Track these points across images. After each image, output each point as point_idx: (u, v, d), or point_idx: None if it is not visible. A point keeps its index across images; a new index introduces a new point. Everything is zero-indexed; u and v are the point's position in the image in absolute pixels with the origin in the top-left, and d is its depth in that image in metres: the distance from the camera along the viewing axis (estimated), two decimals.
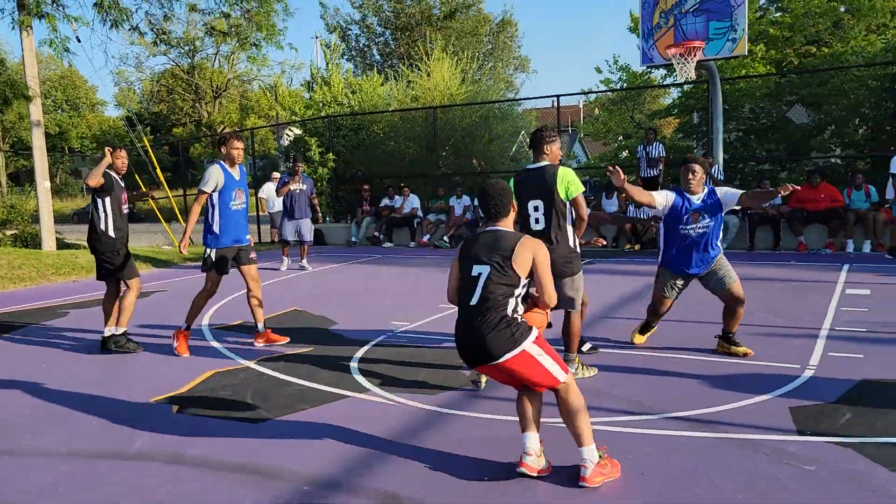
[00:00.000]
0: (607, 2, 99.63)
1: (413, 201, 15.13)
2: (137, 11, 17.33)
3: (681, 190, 5.19)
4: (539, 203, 4.62)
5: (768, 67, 16.13)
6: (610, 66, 18.56)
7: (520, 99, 19.82)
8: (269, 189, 15.91)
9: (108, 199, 6.15)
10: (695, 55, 9.74)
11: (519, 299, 3.29)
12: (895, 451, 3.39)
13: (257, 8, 14.13)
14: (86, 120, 51.90)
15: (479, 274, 3.27)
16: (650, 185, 12.05)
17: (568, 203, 4.61)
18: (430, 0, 27.55)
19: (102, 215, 6.13)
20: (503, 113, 17.01)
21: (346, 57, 28.55)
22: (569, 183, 4.58)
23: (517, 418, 3.39)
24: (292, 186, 10.98)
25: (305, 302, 8.25)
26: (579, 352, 5.16)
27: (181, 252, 6.08)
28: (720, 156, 10.94)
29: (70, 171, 51.51)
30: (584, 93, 22.71)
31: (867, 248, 10.94)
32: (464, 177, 16.20)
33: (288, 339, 6.20)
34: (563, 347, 4.83)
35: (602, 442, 3.37)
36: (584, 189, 4.73)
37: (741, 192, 5.09)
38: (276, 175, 15.15)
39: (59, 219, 21.32)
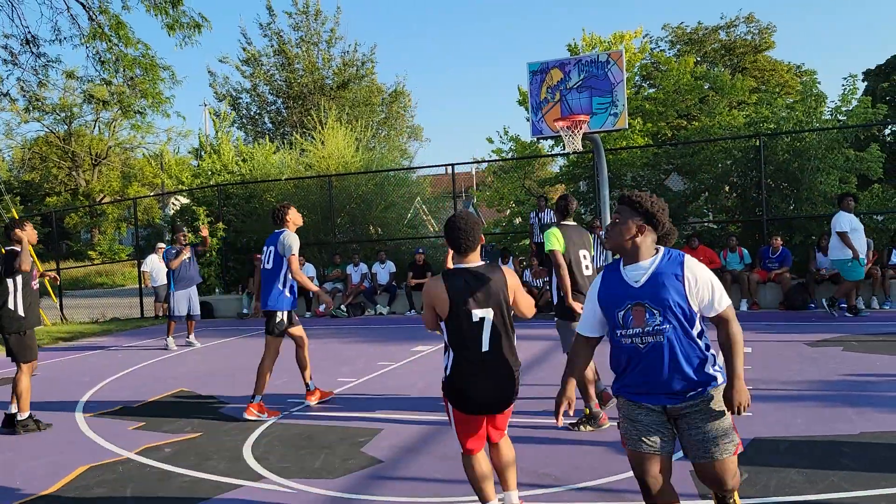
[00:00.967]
0: (497, 77, 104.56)
1: (308, 270, 14.77)
2: (8, 77, 16.40)
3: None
4: (586, 252, 5.37)
5: (646, 139, 17.23)
6: (501, 136, 19.26)
7: (415, 167, 20.09)
8: (152, 261, 15.11)
9: (18, 276, 5.84)
10: (580, 128, 10.22)
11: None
12: None
13: (142, 76, 13.66)
14: None
15: (483, 318, 3.27)
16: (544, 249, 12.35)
17: None
18: (323, 70, 27.80)
19: (11, 291, 5.79)
20: (399, 180, 17.14)
21: (236, 125, 28.14)
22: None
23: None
24: (186, 255, 10.44)
25: (192, 381, 7.73)
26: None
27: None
28: (608, 222, 11.41)
29: None
30: (477, 161, 23.37)
31: (744, 306, 11.62)
32: (361, 244, 16.06)
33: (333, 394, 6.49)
34: None
35: None
36: None
37: None
38: (162, 246, 14.42)
39: None
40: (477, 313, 3.25)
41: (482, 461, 3.39)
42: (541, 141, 16.97)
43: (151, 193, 37.83)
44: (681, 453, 3.03)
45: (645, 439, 2.77)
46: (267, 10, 27.60)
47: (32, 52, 13.74)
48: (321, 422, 5.69)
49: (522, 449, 4.72)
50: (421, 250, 14.38)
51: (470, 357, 3.27)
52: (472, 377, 3.27)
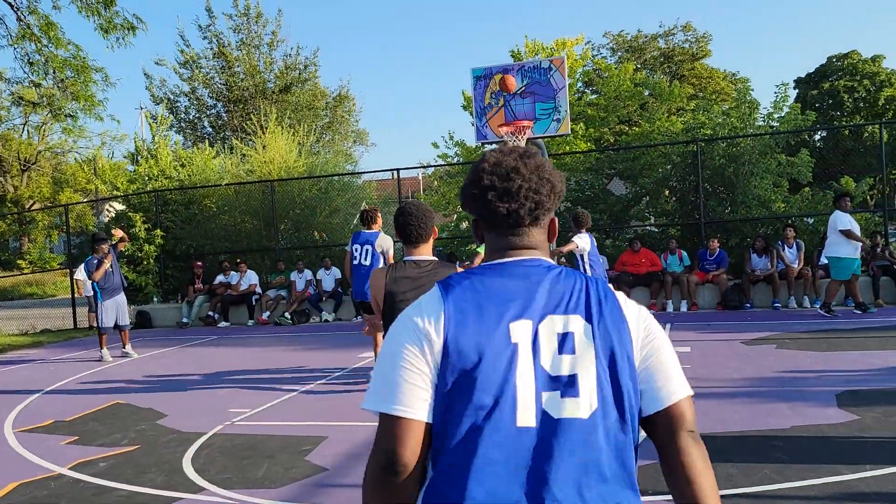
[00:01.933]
0: (441, 82, 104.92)
1: (251, 277, 14.50)
2: None
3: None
4: None
5: (589, 144, 17.55)
6: (446, 141, 19.32)
7: (361, 172, 19.96)
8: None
9: None
10: (524, 133, 10.33)
11: None
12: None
13: (73, 77, 13.18)
14: None
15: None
16: None
17: None
18: (265, 74, 27.36)
19: None
20: (343, 185, 16.98)
21: (174, 129, 27.42)
22: None
23: None
24: (107, 264, 10.06)
25: (130, 393, 7.47)
26: None
27: None
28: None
29: None
30: (423, 167, 23.37)
31: (684, 307, 11.94)
32: (305, 250, 15.84)
33: None
34: None
35: None
36: None
37: None
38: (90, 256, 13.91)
39: None
40: None
41: None
42: (486, 146, 17.13)
43: (84, 200, 36.54)
44: None
45: None
46: (206, 11, 26.94)
47: None
48: (264, 431, 5.57)
49: None
50: None
51: None
52: None
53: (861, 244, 10.17)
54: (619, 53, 34.37)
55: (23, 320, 16.14)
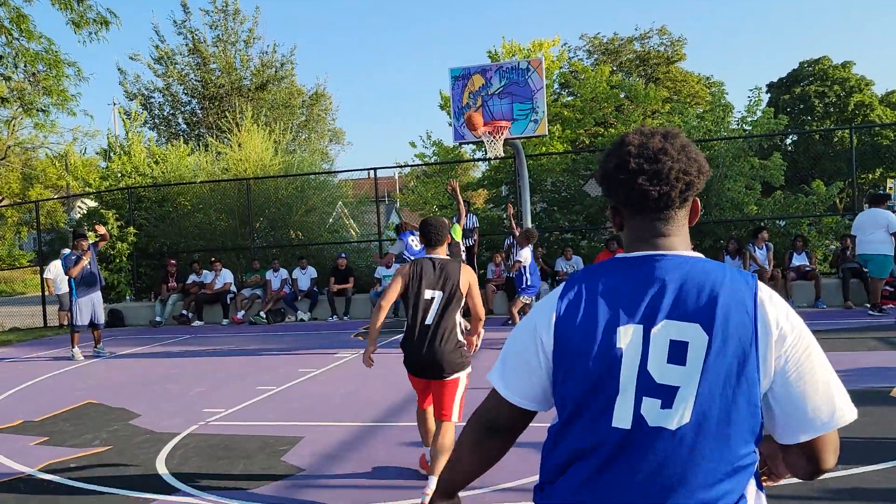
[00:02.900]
0: (419, 81, 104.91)
1: (225, 276, 14.35)
2: None
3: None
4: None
5: (565, 145, 17.65)
6: (424, 140, 19.32)
7: (337, 171, 19.84)
8: (56, 267, 14.30)
9: None
10: (502, 134, 10.35)
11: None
12: None
13: (45, 72, 12.92)
14: None
15: (433, 298, 3.94)
16: (467, 254, 12.44)
17: None
18: (241, 71, 27.07)
19: None
20: (319, 184, 16.87)
21: (148, 125, 26.99)
22: None
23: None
24: (86, 261, 9.91)
25: (102, 393, 7.35)
26: None
27: None
28: (528, 224, 11.63)
29: None
30: (400, 166, 23.34)
31: None
32: (281, 249, 15.72)
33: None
34: None
35: None
36: None
37: None
38: (67, 252, 13.69)
39: None
40: (428, 293, 3.93)
41: (428, 418, 4.18)
42: (463, 146, 17.16)
43: (55, 196, 35.90)
44: None
45: None
46: (182, 7, 26.54)
47: None
48: (239, 431, 5.52)
49: None
50: (343, 255, 14.21)
51: (414, 326, 3.92)
52: (411, 342, 3.95)
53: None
54: (596, 56, 34.60)
55: None
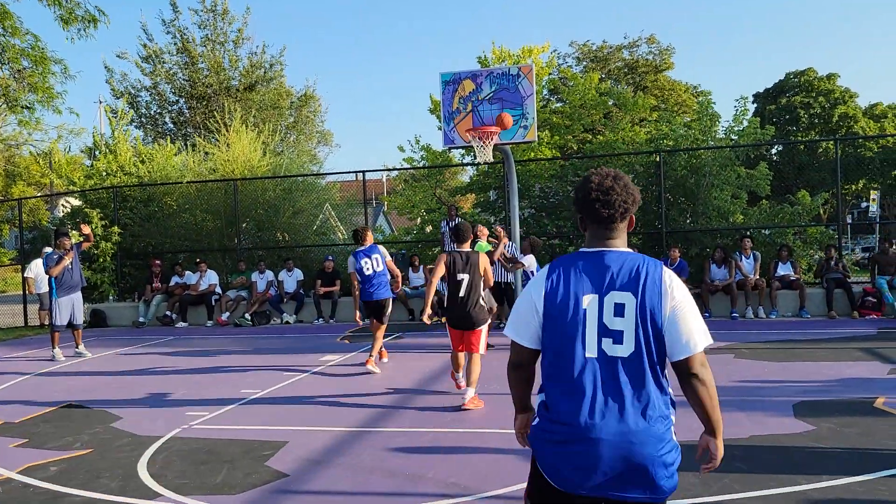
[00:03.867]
0: (408, 85, 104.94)
1: (210, 277, 14.23)
2: None
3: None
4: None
5: (553, 151, 17.69)
6: (412, 144, 19.28)
7: (325, 173, 19.76)
8: (37, 266, 14.12)
9: None
10: (492, 139, 10.35)
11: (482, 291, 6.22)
12: None
13: (31, 68, 12.78)
14: None
15: (462, 279, 6.15)
16: None
17: None
18: (229, 71, 26.93)
19: None
20: (307, 186, 16.79)
21: (134, 124, 26.77)
22: None
23: None
24: (68, 261, 9.78)
25: (82, 394, 7.25)
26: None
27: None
28: (517, 232, 11.62)
29: None
30: (388, 169, 23.29)
31: None
32: (267, 251, 15.62)
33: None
34: None
35: None
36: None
37: None
38: (48, 250, 13.53)
39: None
40: (460, 276, 6.14)
41: (460, 356, 6.42)
42: (452, 150, 17.15)
43: (39, 194, 35.50)
44: None
45: None
46: (171, 6, 26.37)
47: None
48: (223, 435, 5.46)
49: (430, 458, 4.68)
50: (330, 258, 14.14)
51: (454, 298, 6.17)
52: (453, 308, 6.20)
53: None
54: (585, 63, 34.77)
55: None
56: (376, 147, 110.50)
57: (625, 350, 2.10)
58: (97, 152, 17.50)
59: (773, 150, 33.96)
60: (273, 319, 13.86)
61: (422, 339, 10.50)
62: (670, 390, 2.20)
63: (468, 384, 6.04)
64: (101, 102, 30.89)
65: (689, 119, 16.78)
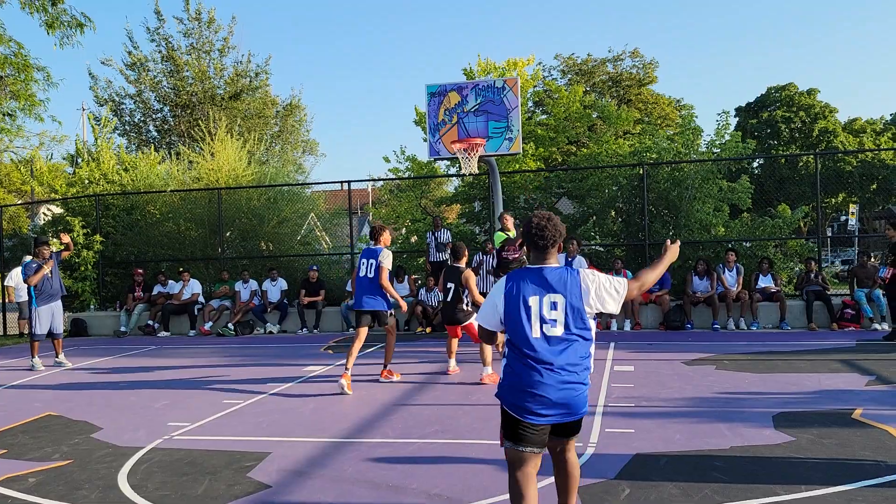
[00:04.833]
0: (394, 96, 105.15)
1: (193, 286, 14.15)
2: None
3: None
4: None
5: (538, 163, 17.80)
6: (398, 155, 19.33)
7: (310, 183, 19.72)
8: (17, 275, 13.98)
9: None
10: (477, 151, 10.43)
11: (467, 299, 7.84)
12: None
13: (14, 75, 12.69)
14: None
15: (451, 287, 7.81)
16: (439, 268, 12.46)
17: None
18: (215, 80, 26.85)
19: None
20: (292, 195, 16.77)
21: (118, 131, 26.60)
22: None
23: None
24: (47, 269, 9.68)
25: (62, 405, 7.17)
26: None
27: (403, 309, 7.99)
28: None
29: None
30: (374, 179, 23.33)
31: (628, 326, 12.17)
32: (251, 260, 15.56)
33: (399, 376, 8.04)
34: None
35: None
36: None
37: None
38: (28, 259, 13.39)
39: None
40: (449, 284, 7.90)
41: (452, 343, 8.22)
42: (437, 161, 17.22)
43: (19, 202, 35.12)
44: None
45: None
46: (155, 14, 26.29)
47: None
48: (205, 446, 5.42)
49: (413, 468, 4.68)
50: (314, 267, 14.11)
51: (445, 301, 8.01)
52: (445, 310, 8.06)
53: None
54: (570, 76, 35.06)
55: None
56: (362, 157, 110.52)
57: (558, 331, 3.07)
58: (80, 160, 17.37)
59: (755, 164, 34.37)
60: (256, 329, 13.79)
61: (405, 348, 10.49)
62: (592, 349, 3.15)
63: (484, 363, 7.62)
64: (84, 110, 30.67)
65: (672, 132, 16.96)
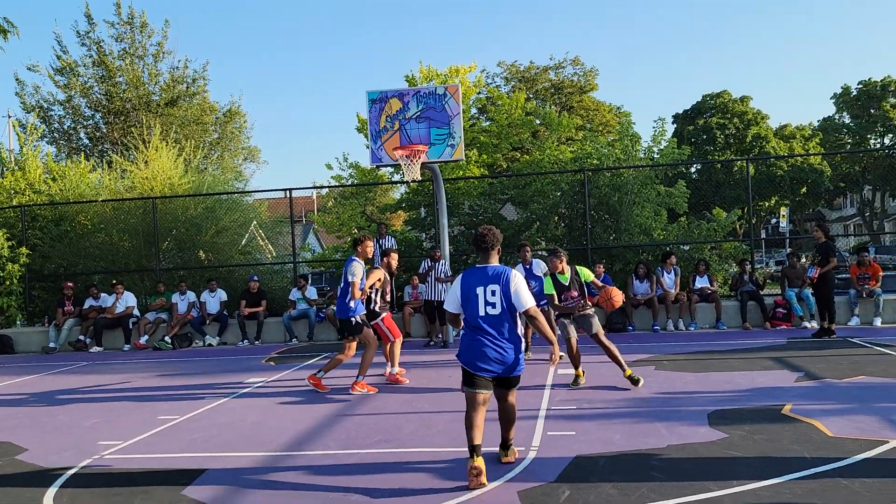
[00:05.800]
0: (336, 102, 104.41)
1: (128, 299, 13.67)
2: None
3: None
4: None
5: (482, 170, 17.89)
6: (340, 162, 19.15)
7: (251, 191, 19.34)
8: None
9: None
10: (419, 158, 10.41)
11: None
12: None
13: None
14: None
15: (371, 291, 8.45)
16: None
17: None
18: (150, 86, 26.10)
19: None
20: (232, 203, 16.40)
21: (46, 139, 25.57)
22: None
23: None
24: None
25: None
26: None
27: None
28: (447, 248, 11.66)
29: None
30: (317, 187, 23.07)
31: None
32: (189, 271, 15.14)
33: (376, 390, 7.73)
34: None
35: None
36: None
37: None
38: None
39: None
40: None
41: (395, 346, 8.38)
42: (381, 168, 17.14)
43: None
44: None
45: None
46: (86, 17, 25.40)
47: None
48: (138, 464, 5.22)
49: (355, 479, 4.60)
50: (255, 278, 13.82)
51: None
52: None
53: None
54: (513, 83, 35.46)
55: None
56: (306, 164, 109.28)
57: (496, 311, 4.47)
58: (4, 169, 16.62)
59: (693, 169, 35.36)
60: (195, 342, 13.42)
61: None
62: (520, 329, 4.58)
63: (391, 364, 8.25)
64: (9, 117, 29.38)
65: (612, 139, 17.30)
